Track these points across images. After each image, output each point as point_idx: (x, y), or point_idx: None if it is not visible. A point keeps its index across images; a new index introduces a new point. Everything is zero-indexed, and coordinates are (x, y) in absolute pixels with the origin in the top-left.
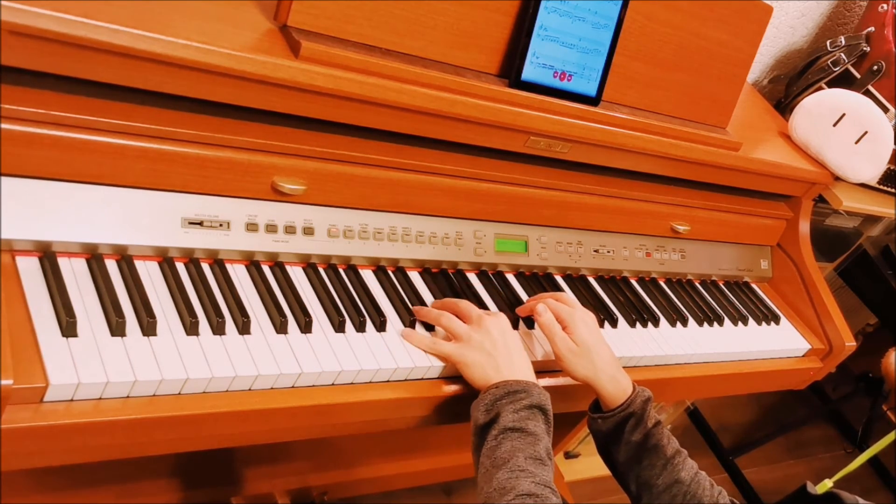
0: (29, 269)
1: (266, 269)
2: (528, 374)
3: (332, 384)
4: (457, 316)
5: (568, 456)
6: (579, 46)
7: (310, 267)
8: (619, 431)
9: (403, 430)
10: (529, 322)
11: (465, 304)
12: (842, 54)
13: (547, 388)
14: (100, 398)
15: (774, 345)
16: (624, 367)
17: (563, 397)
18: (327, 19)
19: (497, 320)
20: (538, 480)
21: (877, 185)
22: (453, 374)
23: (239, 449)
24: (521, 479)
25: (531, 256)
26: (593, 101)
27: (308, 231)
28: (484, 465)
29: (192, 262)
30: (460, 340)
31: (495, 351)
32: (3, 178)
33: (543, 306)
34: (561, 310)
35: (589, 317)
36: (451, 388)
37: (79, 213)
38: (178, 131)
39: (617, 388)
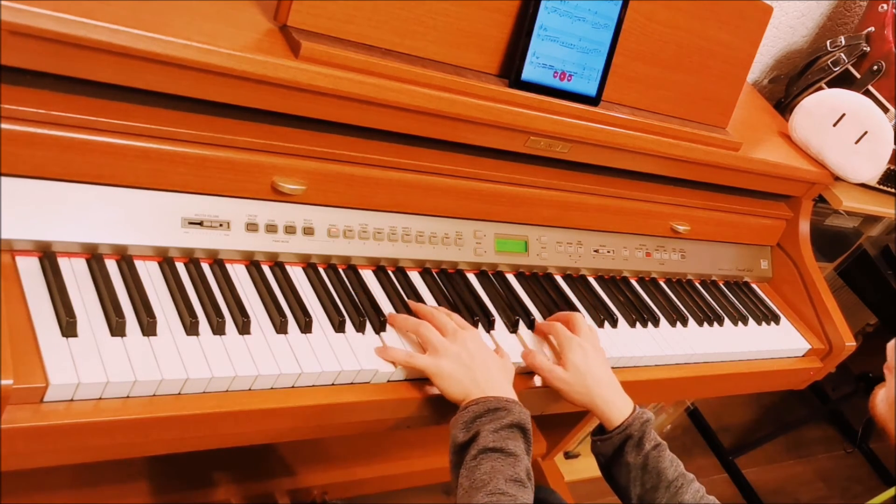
0: (29, 269)
1: (266, 269)
2: (507, 390)
3: (333, 384)
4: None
5: (568, 456)
6: (579, 46)
7: (310, 267)
8: (618, 454)
9: (403, 430)
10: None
11: (441, 317)
12: (842, 54)
13: (544, 387)
14: (100, 398)
15: (774, 345)
16: (624, 368)
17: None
18: (327, 19)
19: (472, 333)
20: (518, 503)
21: (877, 185)
22: None
23: (238, 449)
24: (501, 503)
25: (531, 256)
26: (593, 101)
27: (308, 231)
28: (463, 485)
29: (192, 262)
30: (436, 352)
31: (473, 363)
32: (3, 178)
33: (532, 353)
34: (561, 334)
35: (588, 341)
36: None
37: (79, 213)
38: (178, 131)
39: (614, 411)
